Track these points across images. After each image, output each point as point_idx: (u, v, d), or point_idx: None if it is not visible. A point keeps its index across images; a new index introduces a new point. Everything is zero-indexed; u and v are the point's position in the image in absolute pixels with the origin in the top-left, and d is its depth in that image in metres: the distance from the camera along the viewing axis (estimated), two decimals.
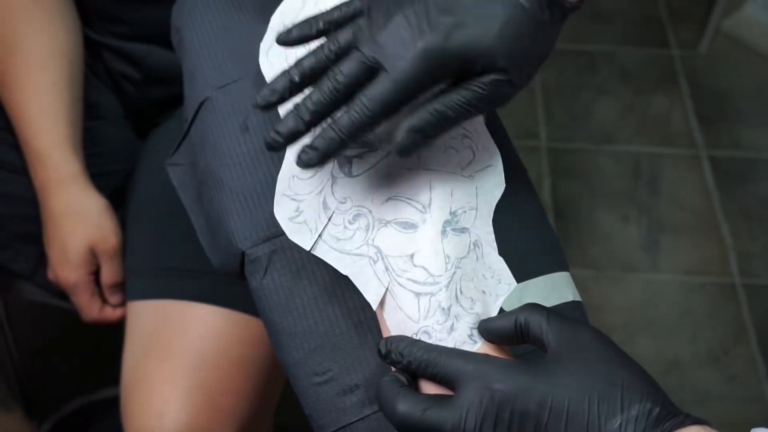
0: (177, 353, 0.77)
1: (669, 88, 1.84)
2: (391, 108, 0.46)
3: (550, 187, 1.65)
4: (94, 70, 0.96)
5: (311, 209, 0.50)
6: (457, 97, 0.46)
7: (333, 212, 0.49)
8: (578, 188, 1.66)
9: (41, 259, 0.88)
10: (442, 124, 0.46)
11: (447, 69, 0.46)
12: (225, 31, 0.59)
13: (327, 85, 0.46)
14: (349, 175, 0.50)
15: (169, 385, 0.76)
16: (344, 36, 0.47)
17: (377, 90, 0.45)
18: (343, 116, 0.46)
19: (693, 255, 1.55)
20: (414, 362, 0.44)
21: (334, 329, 0.51)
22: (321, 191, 0.50)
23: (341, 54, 0.47)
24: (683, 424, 0.38)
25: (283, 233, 0.51)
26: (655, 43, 1.94)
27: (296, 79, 0.47)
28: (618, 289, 1.50)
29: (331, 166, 0.50)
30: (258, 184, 0.54)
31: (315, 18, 0.49)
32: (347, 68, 0.46)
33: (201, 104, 0.58)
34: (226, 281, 0.79)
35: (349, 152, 0.49)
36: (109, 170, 0.93)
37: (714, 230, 1.59)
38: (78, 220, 0.84)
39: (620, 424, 0.38)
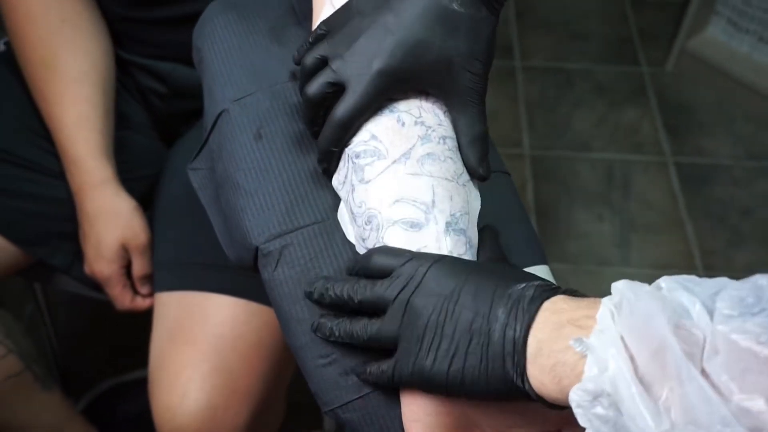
0: (199, 339, 0.77)
1: (639, 101, 1.84)
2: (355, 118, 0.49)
3: (532, 191, 1.65)
4: (125, 85, 0.96)
5: (346, 215, 0.51)
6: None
7: (355, 216, 0.50)
8: (558, 191, 1.66)
9: (77, 254, 0.88)
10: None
11: (401, 84, 0.49)
12: (240, 50, 0.59)
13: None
14: (363, 181, 0.49)
15: (192, 367, 0.76)
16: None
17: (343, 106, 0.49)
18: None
19: (661, 251, 1.55)
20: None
21: None
22: (347, 199, 0.50)
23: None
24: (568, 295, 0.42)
25: (292, 230, 0.52)
26: (626, 61, 1.94)
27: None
28: (593, 281, 1.49)
29: (351, 176, 0.50)
30: (270, 186, 0.54)
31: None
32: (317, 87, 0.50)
33: (219, 116, 0.58)
34: (243, 274, 0.79)
35: (362, 161, 0.49)
36: (138, 175, 0.93)
37: (679, 229, 1.58)
38: (111, 220, 0.84)
39: (524, 287, 0.41)
